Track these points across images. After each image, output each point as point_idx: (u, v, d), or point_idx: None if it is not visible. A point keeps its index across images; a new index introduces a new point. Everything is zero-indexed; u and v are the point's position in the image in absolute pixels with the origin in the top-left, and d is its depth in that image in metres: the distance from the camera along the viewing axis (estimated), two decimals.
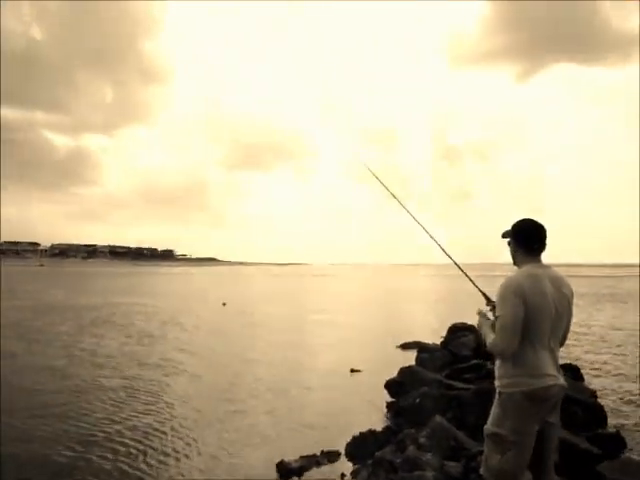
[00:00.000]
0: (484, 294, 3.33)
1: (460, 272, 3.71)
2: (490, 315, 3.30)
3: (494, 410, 2.81)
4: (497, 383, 2.83)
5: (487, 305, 3.35)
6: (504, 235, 3.08)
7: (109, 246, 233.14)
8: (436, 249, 3.78)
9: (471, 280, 3.64)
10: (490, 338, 2.85)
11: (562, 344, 2.95)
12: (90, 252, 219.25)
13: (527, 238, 2.93)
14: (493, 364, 3.00)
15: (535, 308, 2.72)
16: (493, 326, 2.88)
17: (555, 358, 2.84)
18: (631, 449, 5.81)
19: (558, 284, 2.84)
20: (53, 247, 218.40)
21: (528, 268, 2.85)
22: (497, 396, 2.81)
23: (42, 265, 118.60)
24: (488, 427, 2.81)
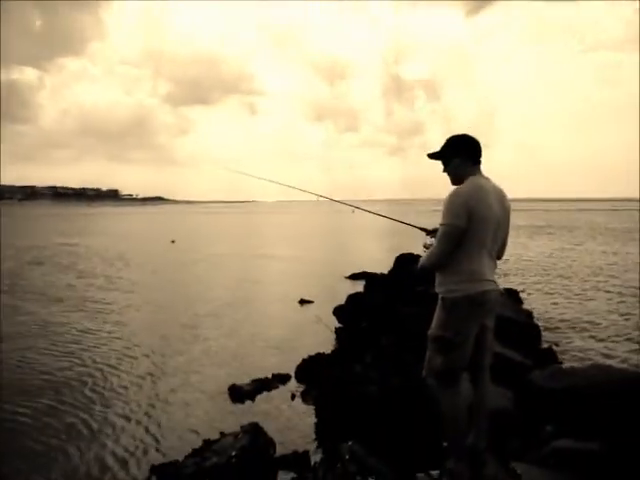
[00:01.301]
0: (421, 228, 3.50)
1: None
2: (433, 242, 3.45)
3: (438, 315, 2.93)
4: (440, 289, 2.92)
5: (427, 235, 3.51)
6: (435, 155, 3.08)
7: (50, 187, 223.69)
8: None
9: (401, 221, 3.84)
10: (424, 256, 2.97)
11: (500, 256, 3.09)
12: (28, 194, 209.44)
13: (473, 149, 2.99)
14: (436, 290, 3.08)
15: (480, 218, 2.83)
16: None
17: (493, 267, 2.99)
18: (561, 362, 6.24)
19: (501, 197, 2.95)
20: None
21: (474, 179, 2.94)
22: (440, 302, 2.92)
23: None
24: (432, 331, 2.92)
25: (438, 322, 2.90)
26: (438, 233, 2.88)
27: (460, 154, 3.00)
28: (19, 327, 9.10)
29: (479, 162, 3.01)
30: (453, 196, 2.85)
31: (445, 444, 3.26)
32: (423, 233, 3.53)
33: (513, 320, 7.35)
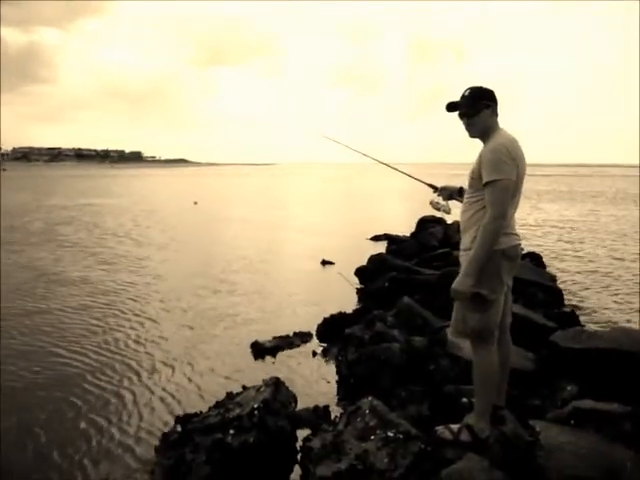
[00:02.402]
0: (429, 184, 3.51)
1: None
2: (441, 200, 3.44)
3: None
4: (472, 245, 2.82)
5: (434, 192, 3.50)
6: (460, 105, 2.95)
7: (74, 149, 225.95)
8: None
9: (412, 176, 3.81)
10: (475, 249, 2.76)
11: None
12: (54, 155, 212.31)
13: (496, 100, 2.94)
14: (459, 252, 3.03)
15: (521, 173, 2.80)
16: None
17: (514, 219, 2.97)
18: (584, 325, 6.20)
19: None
20: (15, 150, 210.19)
21: (506, 132, 2.88)
22: None
23: (5, 170, 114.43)
24: (464, 288, 2.79)
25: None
26: (492, 190, 2.72)
27: (493, 104, 2.93)
28: (58, 280, 9.54)
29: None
30: (498, 148, 2.74)
31: (465, 400, 3.31)
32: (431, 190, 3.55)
33: (536, 283, 7.32)
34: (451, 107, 3.00)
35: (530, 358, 4.36)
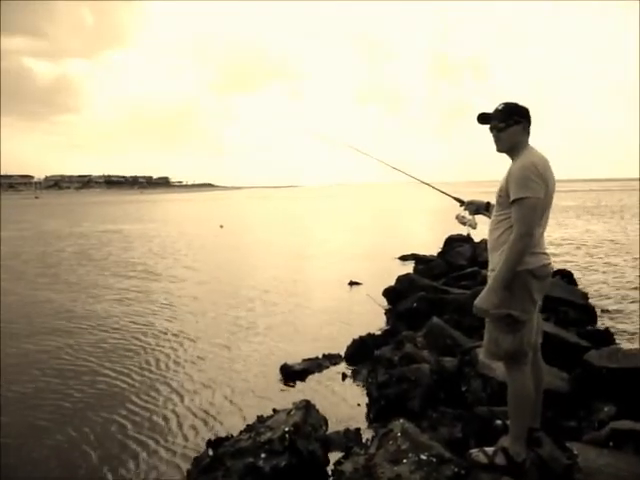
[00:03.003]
0: (456, 198, 3.49)
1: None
2: (467, 215, 3.42)
3: (499, 293, 2.84)
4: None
5: (460, 207, 3.47)
6: (492, 117, 2.93)
7: (104, 176, 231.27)
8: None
9: (440, 191, 3.79)
10: (503, 264, 2.73)
11: None
12: (85, 182, 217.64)
13: (530, 118, 2.93)
14: (487, 271, 3.01)
15: (549, 190, 2.78)
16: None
17: (544, 238, 2.94)
18: (618, 344, 6.04)
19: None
20: (47, 179, 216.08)
21: (535, 150, 2.87)
22: None
23: (37, 197, 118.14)
24: (495, 310, 2.77)
25: (501, 300, 2.78)
26: (520, 207, 2.69)
27: (526, 121, 2.92)
28: (97, 301, 10.01)
29: (529, 133, 2.94)
30: (528, 166, 2.72)
31: (499, 422, 3.25)
32: (457, 204, 3.53)
33: (568, 301, 7.19)
34: (483, 119, 3.00)
35: (564, 378, 4.27)
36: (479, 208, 3.36)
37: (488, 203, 3.31)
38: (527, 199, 2.67)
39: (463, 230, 3.51)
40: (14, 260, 15.95)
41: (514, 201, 2.71)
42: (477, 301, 2.79)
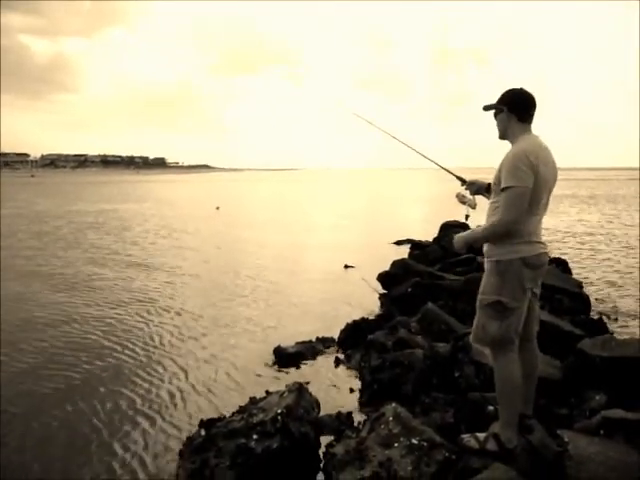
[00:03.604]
0: (458, 177, 3.43)
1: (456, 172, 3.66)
2: (467, 194, 3.37)
3: (491, 279, 2.85)
4: (493, 252, 2.85)
5: (462, 185, 3.42)
6: (489, 107, 2.99)
7: (100, 155, 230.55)
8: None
9: (443, 168, 3.72)
10: (478, 231, 2.94)
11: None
12: (81, 162, 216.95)
13: (525, 106, 2.88)
14: (483, 258, 3.02)
15: (542, 179, 2.75)
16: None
17: (541, 229, 2.92)
18: (612, 333, 6.06)
19: (551, 155, 2.87)
20: (43, 158, 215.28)
21: (532, 138, 2.84)
22: (493, 265, 2.84)
23: (33, 176, 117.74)
24: (486, 297, 2.86)
25: (492, 287, 2.83)
26: (506, 196, 2.73)
27: (514, 108, 2.89)
28: (85, 282, 9.96)
29: (528, 121, 2.89)
30: (517, 155, 2.73)
31: (491, 408, 3.26)
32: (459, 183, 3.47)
33: (562, 289, 7.19)
34: (485, 108, 3.04)
35: (557, 366, 4.27)
36: (480, 188, 3.29)
37: (489, 184, 3.28)
38: (514, 188, 2.70)
39: (462, 210, 3.43)
40: (10, 238, 15.90)
41: (503, 189, 2.75)
42: (456, 236, 3.04)
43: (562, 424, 3.27)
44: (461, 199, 3.37)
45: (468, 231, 3.06)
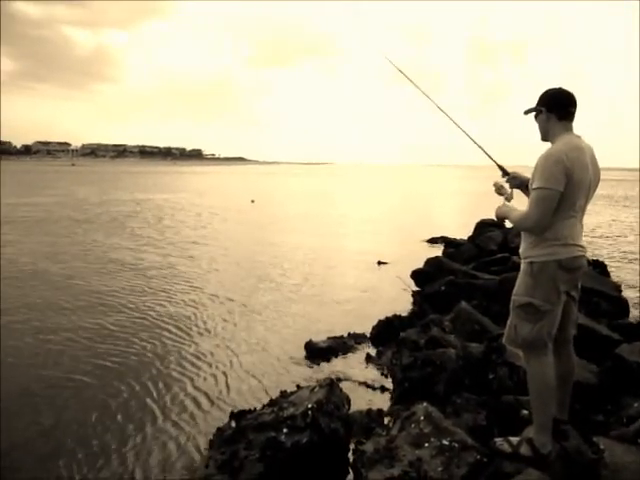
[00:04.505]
0: (500, 166, 3.28)
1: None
2: (507, 187, 3.25)
3: (524, 280, 2.81)
4: (528, 253, 2.81)
5: (503, 177, 3.29)
6: (529, 110, 2.94)
7: (138, 146, 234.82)
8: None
9: (487, 154, 3.50)
10: (514, 214, 2.86)
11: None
12: (120, 152, 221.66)
13: (563, 104, 2.81)
14: (519, 258, 2.97)
15: (577, 181, 2.68)
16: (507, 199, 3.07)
17: (581, 232, 2.85)
18: None
19: (593, 157, 2.80)
20: (84, 147, 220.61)
21: (569, 138, 2.77)
22: (527, 267, 2.79)
23: (73, 164, 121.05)
24: (519, 298, 2.82)
25: (525, 288, 2.79)
26: (534, 196, 2.70)
27: (552, 108, 2.83)
28: (125, 267, 10.41)
29: (568, 119, 2.82)
30: (550, 156, 2.68)
31: (525, 412, 3.21)
32: (499, 173, 3.33)
33: (600, 292, 7.02)
34: (527, 112, 3.00)
35: (593, 371, 4.17)
36: (521, 184, 3.15)
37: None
38: (542, 189, 2.66)
39: (497, 203, 3.25)
40: (54, 224, 16.35)
41: (533, 189, 2.72)
42: (500, 206, 3.04)
43: (598, 431, 3.20)
44: (499, 190, 3.20)
45: (512, 207, 2.96)
